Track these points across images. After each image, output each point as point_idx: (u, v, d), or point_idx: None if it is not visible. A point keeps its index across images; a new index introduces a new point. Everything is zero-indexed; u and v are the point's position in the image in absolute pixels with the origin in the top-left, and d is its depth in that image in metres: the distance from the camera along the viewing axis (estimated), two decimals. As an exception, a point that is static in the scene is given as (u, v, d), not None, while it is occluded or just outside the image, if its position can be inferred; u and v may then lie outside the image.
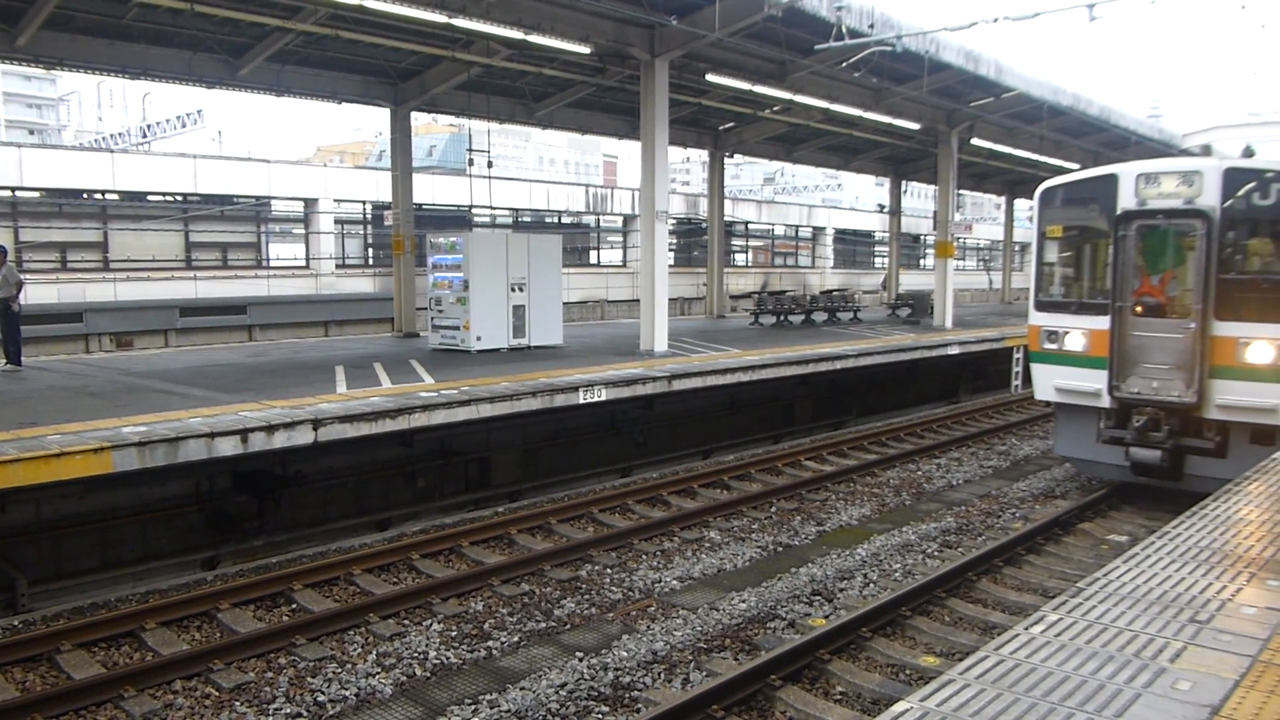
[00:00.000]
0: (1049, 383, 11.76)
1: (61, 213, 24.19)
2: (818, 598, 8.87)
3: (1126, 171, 10.95)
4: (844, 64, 17.73)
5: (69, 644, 7.60)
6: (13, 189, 23.22)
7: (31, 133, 69.84)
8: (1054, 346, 11.64)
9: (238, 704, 6.81)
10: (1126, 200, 10.88)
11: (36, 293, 22.00)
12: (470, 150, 20.41)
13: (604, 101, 22.27)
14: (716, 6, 14.64)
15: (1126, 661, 4.07)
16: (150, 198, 25.89)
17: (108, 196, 24.93)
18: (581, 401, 12.75)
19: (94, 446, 8.46)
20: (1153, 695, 3.76)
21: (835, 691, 6.99)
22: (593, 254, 37.32)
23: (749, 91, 19.56)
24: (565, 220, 35.85)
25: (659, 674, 7.21)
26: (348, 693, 6.96)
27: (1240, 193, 10.18)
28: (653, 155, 16.30)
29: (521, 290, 17.13)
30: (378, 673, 7.30)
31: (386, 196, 23.54)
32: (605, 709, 6.68)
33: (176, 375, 13.46)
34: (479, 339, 16.54)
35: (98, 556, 9.64)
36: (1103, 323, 11.10)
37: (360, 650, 7.75)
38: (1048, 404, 12.48)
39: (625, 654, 7.54)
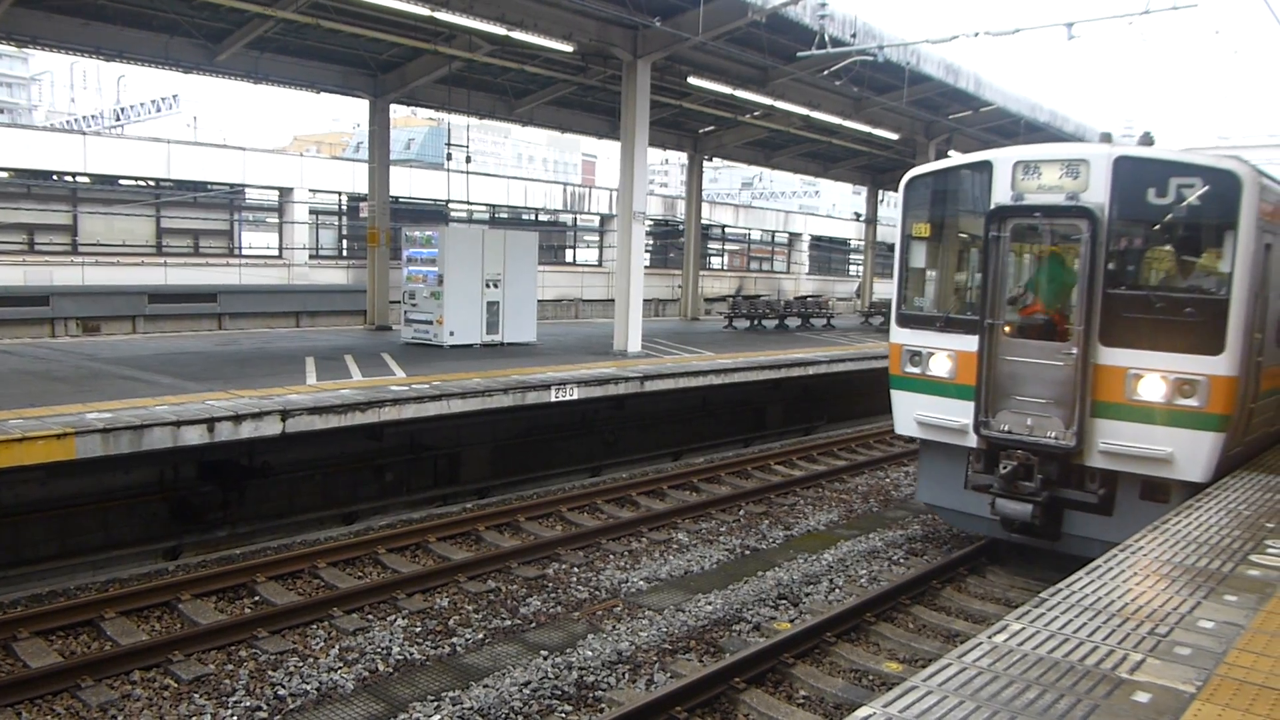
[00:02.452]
0: (910, 414, 9.95)
1: (30, 194, 23.79)
2: (783, 602, 8.90)
3: (1003, 158, 9.11)
4: (825, 72, 17.81)
5: (26, 631, 7.49)
6: (-19, 168, 22.84)
7: (1, 111, 68.76)
8: (917, 370, 9.81)
9: (197, 696, 6.74)
10: (1001, 194, 9.03)
11: (2, 274, 21.66)
12: (449, 145, 20.31)
13: (585, 100, 22.25)
14: (700, 10, 14.66)
15: (1086, 672, 4.12)
16: (122, 182, 25.54)
17: (78, 179, 24.56)
18: (553, 400, 12.72)
19: (57, 432, 8.33)
20: (1111, 706, 3.81)
21: (799, 696, 7.03)
22: (569, 253, 37.25)
23: (730, 96, 19.62)
24: (542, 218, 35.77)
25: (623, 674, 7.21)
26: (309, 687, 6.90)
27: (1133, 187, 8.39)
28: (632, 156, 16.30)
29: (496, 287, 17.09)
30: (340, 667, 7.25)
31: (363, 188, 23.39)
32: (569, 708, 6.67)
33: (144, 362, 13.29)
34: (452, 334, 16.47)
35: (57, 544, 9.49)
36: (972, 343, 9.20)
37: (323, 644, 7.68)
38: (910, 440, 10.68)
39: (590, 653, 7.53)
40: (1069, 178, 8.63)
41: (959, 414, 9.35)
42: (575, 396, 12.99)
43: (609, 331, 17.90)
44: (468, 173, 21.65)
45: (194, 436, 9.20)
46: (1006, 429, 8.98)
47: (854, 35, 16.39)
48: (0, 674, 6.96)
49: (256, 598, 8.65)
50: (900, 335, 10.04)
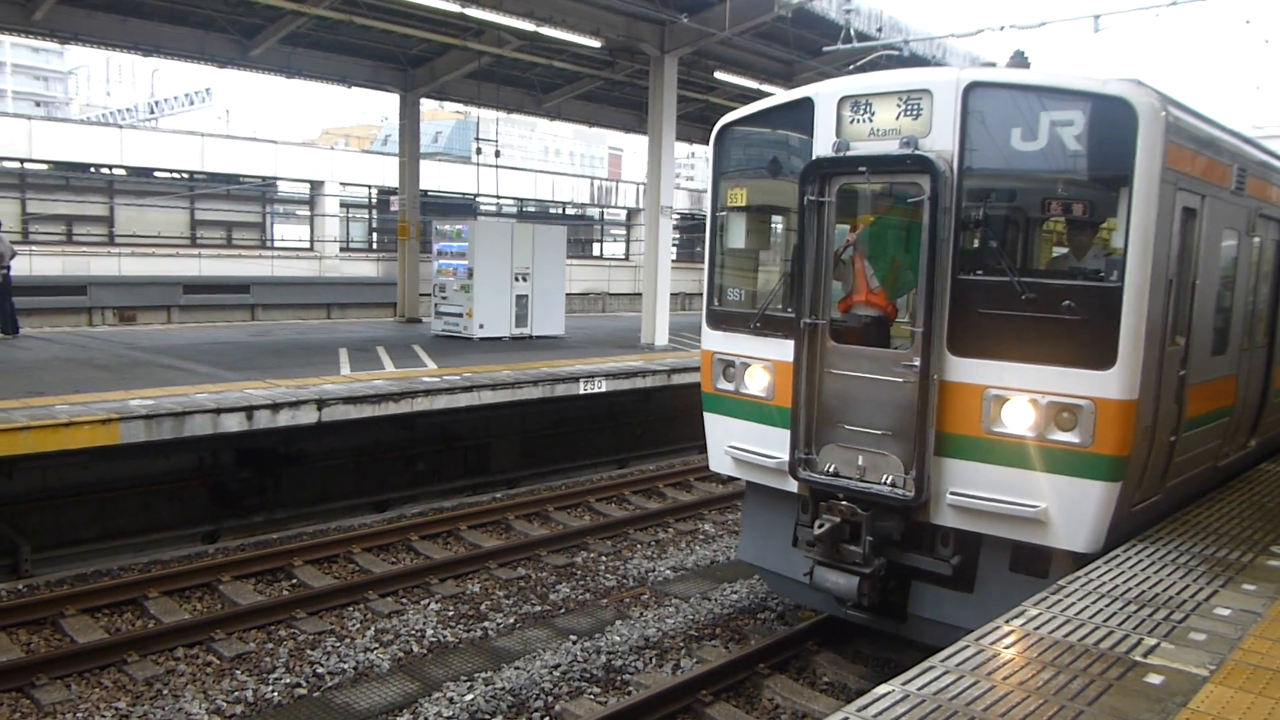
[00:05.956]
0: (723, 445, 7.57)
1: (68, 185, 24.31)
2: (807, 591, 9.02)
3: (826, 93, 6.60)
4: (851, 66, 17.76)
5: (73, 609, 7.76)
6: (21, 160, 23.34)
7: (38, 104, 69.71)
8: (730, 387, 7.43)
9: (238, 672, 6.98)
10: (824, 143, 6.55)
11: (41, 264, 22.15)
12: (478, 139, 20.53)
13: (612, 95, 22.40)
14: (727, 5, 14.77)
15: (1100, 655, 4.24)
16: (157, 174, 26.01)
17: (115, 171, 25.04)
18: (582, 392, 12.90)
19: (102, 418, 8.60)
20: (1124, 686, 3.93)
21: (821, 682, 7.16)
22: (596, 246, 37.45)
23: (757, 90, 19.68)
24: (569, 212, 35.97)
25: (650, 659, 7.38)
26: (346, 666, 7.13)
27: (993, 127, 5.92)
28: (659, 150, 16.43)
29: (525, 280, 17.28)
30: (376, 648, 7.47)
31: (392, 181, 23.70)
32: (597, 690, 6.85)
33: (181, 351, 13.60)
34: (481, 326, 16.70)
35: (99, 526, 9.78)
36: (791, 351, 6.76)
37: (359, 626, 7.91)
38: (730, 479, 8.24)
39: (618, 639, 7.70)
40: (908, 117, 6.21)
41: (778, 447, 6.89)
42: (603, 389, 13.17)
43: (636, 325, 18.06)
44: (497, 166, 21.84)
45: (233, 424, 9.46)
46: (832, 469, 6.55)
47: (879, 29, 16.41)
48: (49, 648, 7.25)
49: (294, 580, 8.89)
50: (712, 340, 7.69)
